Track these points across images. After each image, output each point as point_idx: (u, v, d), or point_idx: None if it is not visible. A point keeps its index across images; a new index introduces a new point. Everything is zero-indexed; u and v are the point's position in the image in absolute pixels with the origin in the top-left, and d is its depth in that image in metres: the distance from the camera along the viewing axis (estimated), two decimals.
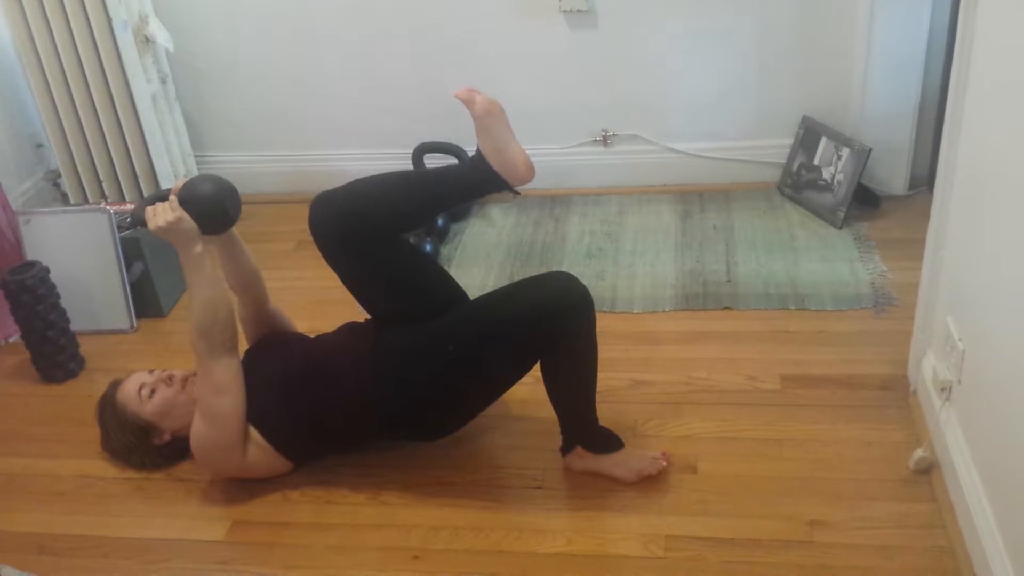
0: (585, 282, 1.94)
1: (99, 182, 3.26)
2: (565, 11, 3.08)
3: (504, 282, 2.82)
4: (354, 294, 2.06)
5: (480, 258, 3.01)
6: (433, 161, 3.10)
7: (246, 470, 2.10)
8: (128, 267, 2.79)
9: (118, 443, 2.18)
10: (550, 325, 1.92)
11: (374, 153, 3.38)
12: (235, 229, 2.13)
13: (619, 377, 2.37)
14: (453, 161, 3.06)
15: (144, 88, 3.10)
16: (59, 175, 3.32)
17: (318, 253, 1.98)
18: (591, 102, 3.24)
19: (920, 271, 2.15)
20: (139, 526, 2.09)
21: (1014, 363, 1.57)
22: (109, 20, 2.96)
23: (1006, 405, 1.61)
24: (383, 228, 1.95)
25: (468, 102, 1.88)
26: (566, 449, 2.09)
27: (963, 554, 1.77)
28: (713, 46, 3.08)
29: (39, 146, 3.41)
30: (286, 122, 3.43)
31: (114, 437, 2.18)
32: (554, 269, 2.81)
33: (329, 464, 2.16)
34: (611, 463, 2.05)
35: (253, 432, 2.06)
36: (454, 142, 3.06)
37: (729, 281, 2.75)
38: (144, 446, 2.16)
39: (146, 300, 2.85)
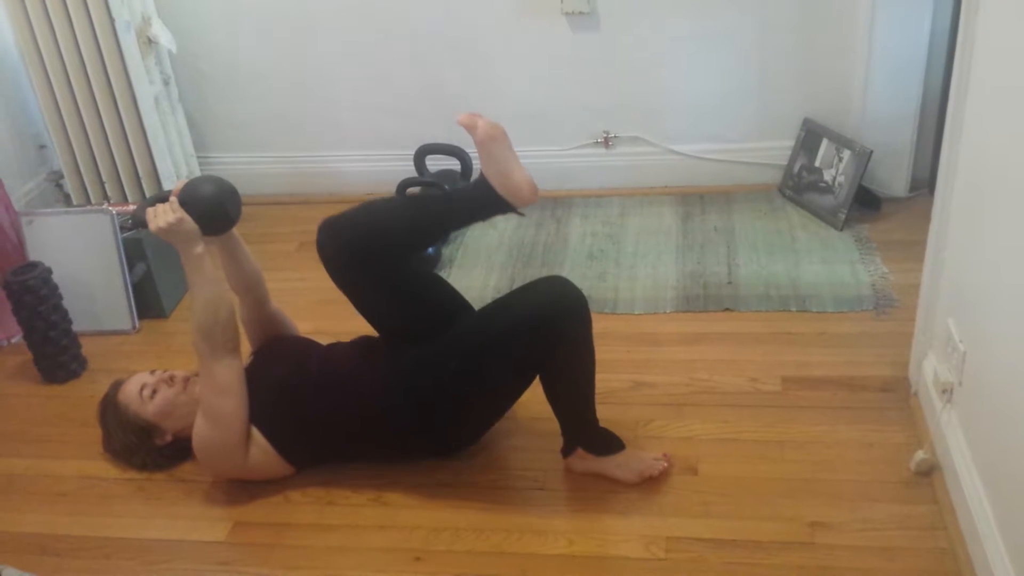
0: (586, 283, 1.95)
1: (101, 183, 3.26)
2: (567, 13, 3.08)
3: (505, 283, 2.83)
4: (363, 314, 2.06)
5: (482, 260, 3.01)
6: (434, 162, 3.10)
7: (247, 471, 2.10)
8: (130, 268, 2.79)
9: (120, 444, 2.19)
10: (547, 330, 1.93)
11: (375, 154, 3.39)
12: (236, 230, 2.14)
13: (620, 378, 2.37)
14: (455, 163, 3.06)
15: (147, 89, 3.11)
16: (62, 176, 3.32)
17: None
18: (592, 104, 3.24)
19: (921, 273, 2.15)
20: (141, 527, 2.10)
21: (1015, 365, 1.57)
22: (112, 21, 2.97)
23: (1007, 407, 1.61)
24: (389, 256, 1.97)
25: (470, 128, 1.88)
26: (567, 451, 2.09)
27: (964, 556, 1.77)
28: (714, 48, 3.08)
29: (42, 147, 3.42)
30: (288, 123, 3.43)
31: (116, 438, 2.18)
32: (556, 271, 2.82)
33: (331, 466, 2.16)
34: (612, 464, 2.05)
35: (256, 434, 2.06)
36: (455, 143, 3.06)
37: (730, 283, 2.75)
38: (146, 447, 2.17)
39: (148, 301, 2.86)
